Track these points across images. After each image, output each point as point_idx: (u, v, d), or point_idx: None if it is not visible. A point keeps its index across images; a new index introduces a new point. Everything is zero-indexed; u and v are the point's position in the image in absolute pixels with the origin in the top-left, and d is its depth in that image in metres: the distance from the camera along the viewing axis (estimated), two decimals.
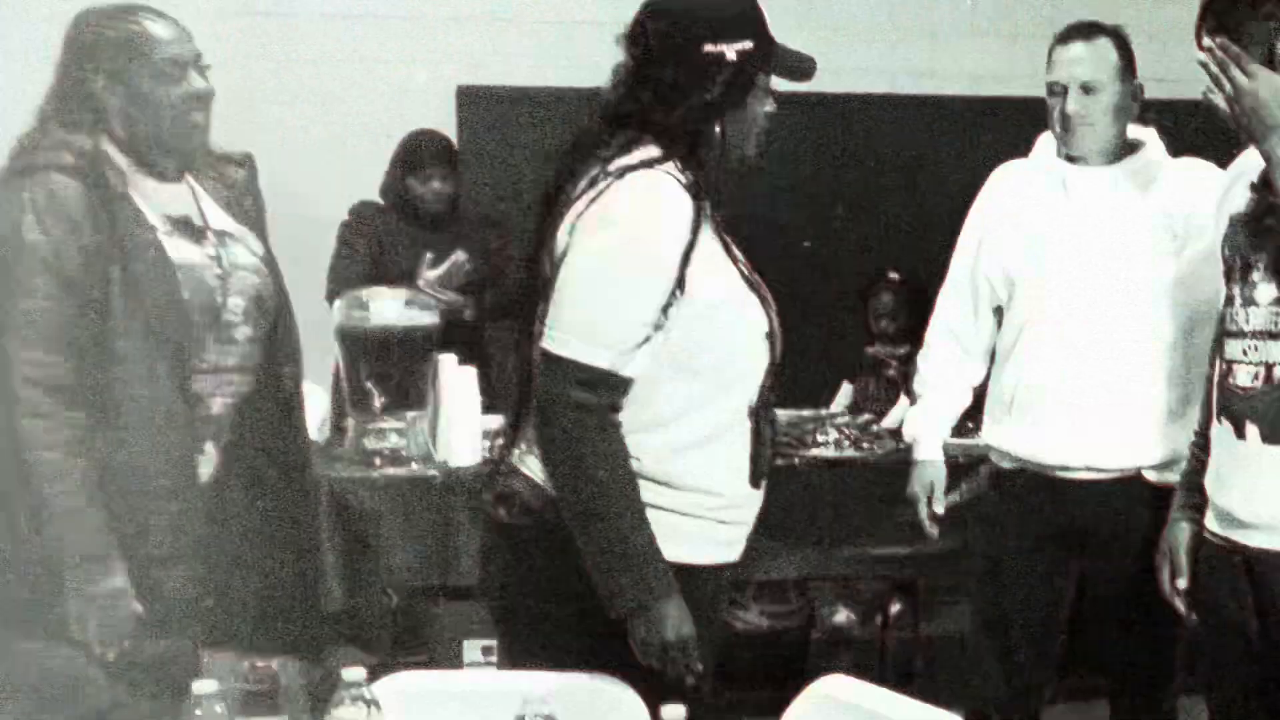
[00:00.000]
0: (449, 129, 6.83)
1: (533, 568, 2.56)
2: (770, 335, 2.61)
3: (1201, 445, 3.04)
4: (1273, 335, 2.77)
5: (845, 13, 7.07)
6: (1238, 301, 2.85)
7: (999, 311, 3.54)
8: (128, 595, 2.80)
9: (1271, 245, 2.78)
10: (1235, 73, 2.70)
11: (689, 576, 2.53)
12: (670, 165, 2.50)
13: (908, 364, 5.38)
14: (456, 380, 4.50)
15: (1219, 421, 2.89)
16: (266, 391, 3.08)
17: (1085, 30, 3.41)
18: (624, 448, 2.46)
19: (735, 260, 2.59)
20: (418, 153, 5.58)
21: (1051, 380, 3.37)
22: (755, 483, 2.63)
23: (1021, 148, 3.57)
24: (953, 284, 3.63)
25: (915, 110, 7.25)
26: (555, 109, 6.91)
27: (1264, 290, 2.79)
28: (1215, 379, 2.93)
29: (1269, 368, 2.77)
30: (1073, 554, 3.46)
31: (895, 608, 5.77)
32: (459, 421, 4.48)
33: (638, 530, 2.45)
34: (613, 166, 2.48)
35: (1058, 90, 3.39)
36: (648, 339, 2.45)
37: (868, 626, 5.88)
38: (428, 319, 4.37)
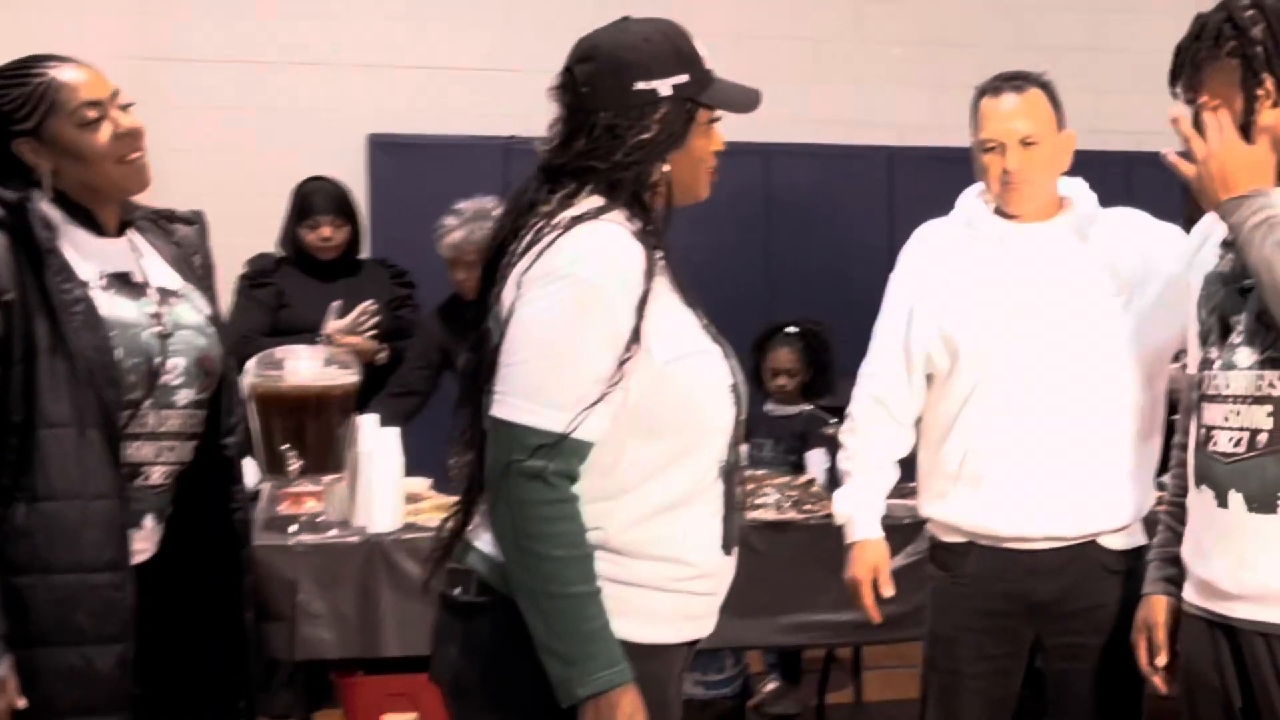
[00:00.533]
0: (360, 177, 6.71)
1: (489, 649, 2.38)
2: (735, 389, 2.46)
3: (1176, 515, 2.92)
4: (1257, 399, 2.66)
5: (770, 62, 6.99)
6: (1216, 365, 2.74)
7: (928, 378, 3.35)
8: (9, 686, 2.60)
9: (1251, 306, 2.67)
10: (1213, 134, 2.63)
11: (654, 657, 2.38)
12: (616, 214, 2.38)
13: (816, 425, 5.22)
14: (377, 443, 4.32)
15: (1197, 489, 2.77)
16: (208, 461, 2.89)
17: (1015, 81, 3.24)
18: (580, 523, 2.29)
19: (695, 309, 2.46)
20: (307, 201, 5.50)
21: (1005, 447, 3.20)
22: (728, 549, 2.45)
23: (944, 198, 3.43)
24: (881, 351, 3.38)
25: (839, 160, 7.16)
26: (467, 158, 6.84)
27: (1244, 353, 2.68)
28: (1192, 445, 2.81)
29: (1253, 433, 2.66)
30: (1028, 628, 3.30)
31: (834, 675, 5.61)
32: (380, 486, 4.30)
33: (591, 614, 2.28)
34: (556, 220, 2.34)
35: (993, 146, 3.22)
36: (603, 398, 2.28)
37: (805, 695, 5.71)
38: (347, 378, 4.16)
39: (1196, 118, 2.68)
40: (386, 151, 7.05)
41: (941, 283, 3.29)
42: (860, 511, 3.39)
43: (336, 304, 5.23)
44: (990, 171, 3.23)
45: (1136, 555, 3.22)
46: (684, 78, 2.39)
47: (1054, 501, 3.19)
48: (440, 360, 5.29)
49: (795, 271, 7.15)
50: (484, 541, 2.39)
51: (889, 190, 7.08)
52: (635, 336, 2.28)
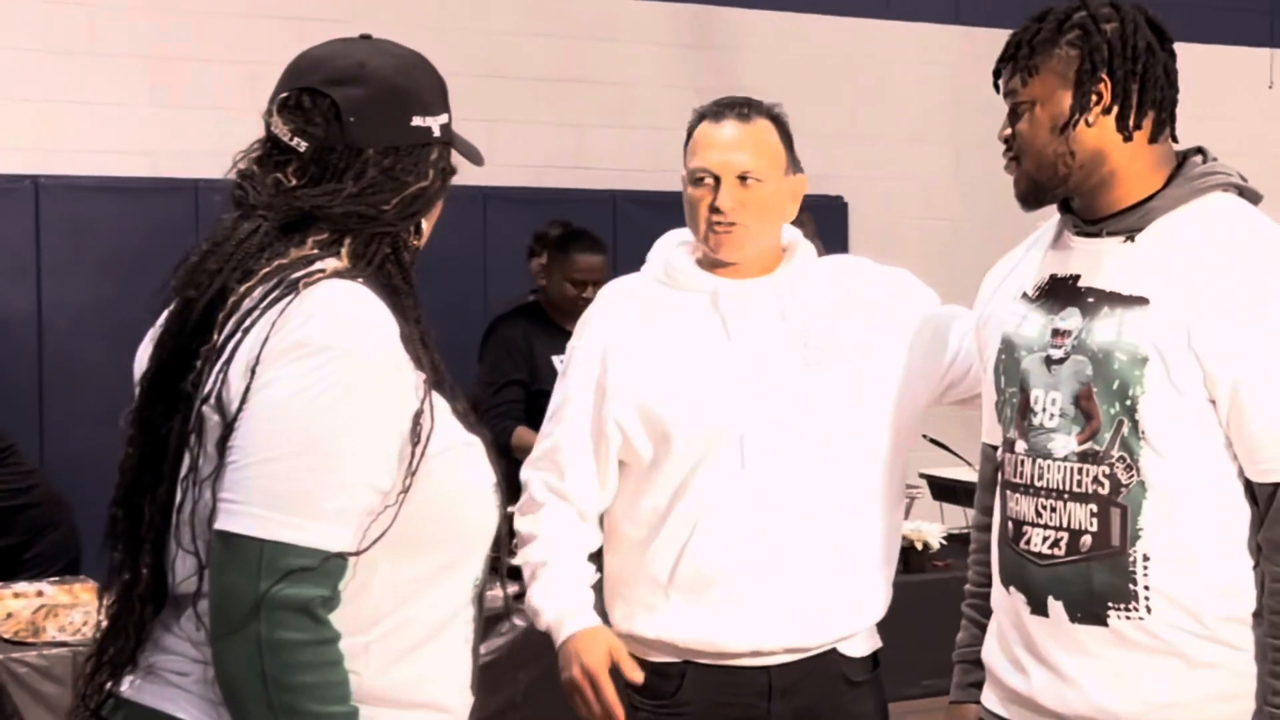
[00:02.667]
0: None
1: None
2: (498, 487, 2.02)
3: (980, 609, 2.55)
4: (1076, 496, 2.31)
5: (497, 105, 6.36)
6: (1021, 448, 2.38)
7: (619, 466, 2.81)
8: None
9: (1067, 385, 2.32)
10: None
11: None
12: (359, 274, 1.92)
13: None
14: None
15: (1005, 590, 2.41)
16: None
17: (740, 108, 2.76)
18: (345, 668, 1.83)
19: (450, 393, 1.99)
20: None
21: (730, 545, 2.69)
22: (474, 687, 2.07)
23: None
24: (567, 432, 2.79)
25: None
26: None
27: (1060, 441, 2.33)
28: (996, 538, 2.45)
29: (1074, 534, 2.31)
30: None
31: None
32: None
33: None
34: (295, 274, 1.88)
35: (702, 178, 2.72)
36: (377, 505, 1.85)
37: None
38: None
39: (1014, 114, 2.36)
40: None
41: (641, 351, 2.74)
42: (572, 601, 2.74)
43: None
44: (697, 209, 2.71)
45: (875, 663, 2.83)
46: (445, 118, 2.03)
47: (793, 605, 2.70)
48: None
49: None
50: (175, 704, 1.88)
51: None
52: (417, 426, 1.88)
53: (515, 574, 4.12)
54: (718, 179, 2.70)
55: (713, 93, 2.93)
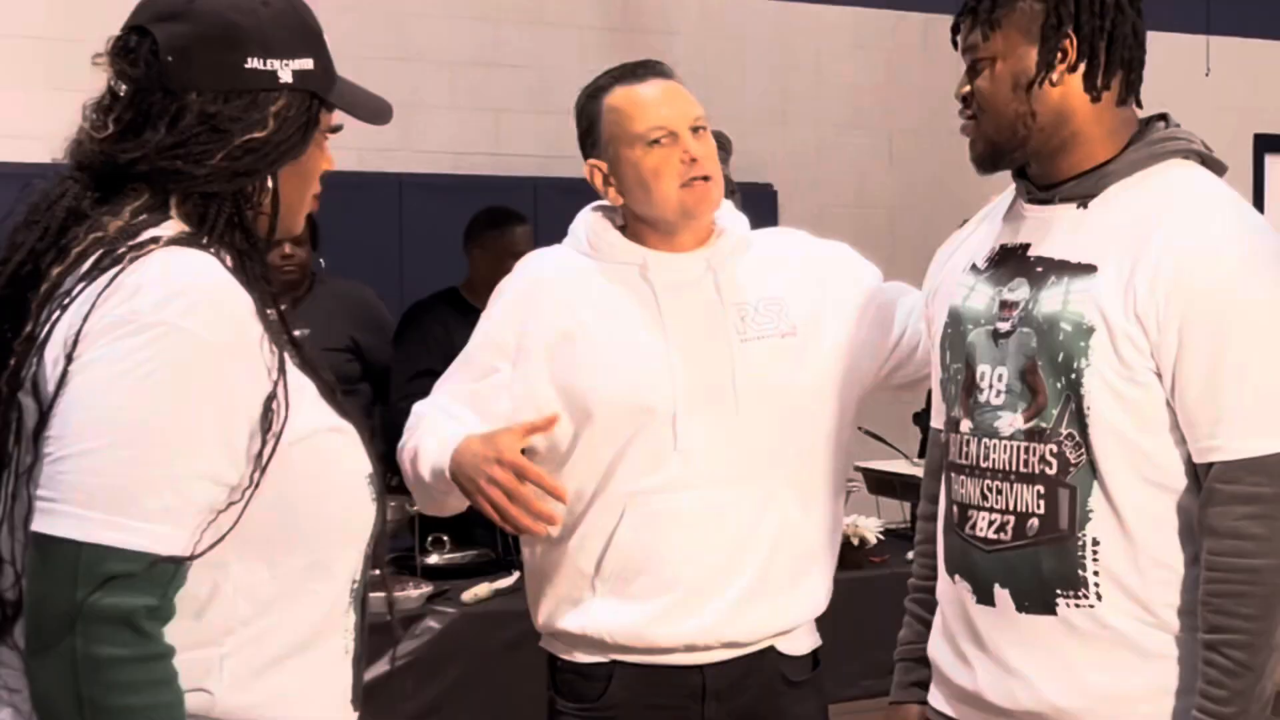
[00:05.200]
0: None
1: None
2: (373, 479, 1.86)
3: (924, 603, 2.42)
4: (1023, 477, 2.17)
5: (414, 90, 6.16)
6: (964, 427, 2.24)
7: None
8: None
9: (1014, 361, 2.17)
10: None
11: None
12: (202, 240, 1.75)
13: None
14: None
15: (950, 578, 2.27)
16: None
17: (652, 67, 2.60)
18: (179, 689, 1.66)
19: (317, 373, 1.83)
20: None
21: (663, 533, 2.52)
22: (355, 703, 1.89)
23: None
24: (453, 388, 2.63)
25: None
26: None
27: (1006, 419, 2.19)
28: (941, 524, 2.31)
29: (1021, 518, 2.17)
30: None
31: None
32: None
33: None
34: (121, 246, 1.71)
35: (660, 137, 2.51)
36: (219, 502, 1.68)
37: None
38: None
39: (973, 71, 2.21)
40: None
41: (564, 322, 2.57)
42: (452, 430, 2.52)
43: None
44: (665, 167, 2.51)
45: (815, 662, 2.67)
46: (308, 63, 1.84)
47: (728, 597, 2.54)
48: None
49: None
50: None
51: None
52: (269, 408, 1.70)
53: (430, 574, 3.98)
54: (675, 134, 2.52)
55: None
